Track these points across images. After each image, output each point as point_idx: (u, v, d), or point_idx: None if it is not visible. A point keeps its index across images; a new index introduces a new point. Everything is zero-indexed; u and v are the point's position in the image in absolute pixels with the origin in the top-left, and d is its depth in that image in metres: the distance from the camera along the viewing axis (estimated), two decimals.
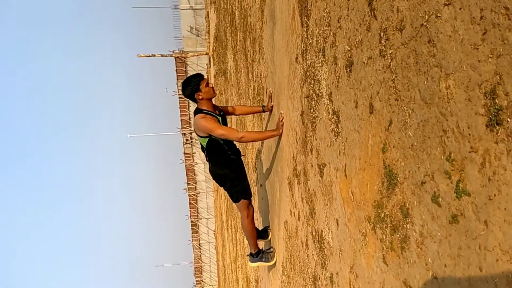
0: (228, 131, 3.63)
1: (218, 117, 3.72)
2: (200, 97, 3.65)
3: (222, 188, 4.29)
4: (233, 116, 8.21)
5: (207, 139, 3.69)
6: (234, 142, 3.98)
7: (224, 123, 3.84)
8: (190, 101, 3.95)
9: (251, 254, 4.40)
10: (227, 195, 4.26)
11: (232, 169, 3.97)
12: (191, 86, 3.63)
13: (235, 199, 4.07)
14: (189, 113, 24.73)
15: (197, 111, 3.72)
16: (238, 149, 4.06)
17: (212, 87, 3.69)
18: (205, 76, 3.96)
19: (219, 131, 3.55)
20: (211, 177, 4.16)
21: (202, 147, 3.87)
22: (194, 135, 24.98)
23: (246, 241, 5.06)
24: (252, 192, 4.75)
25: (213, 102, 3.86)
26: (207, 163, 4.06)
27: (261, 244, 4.90)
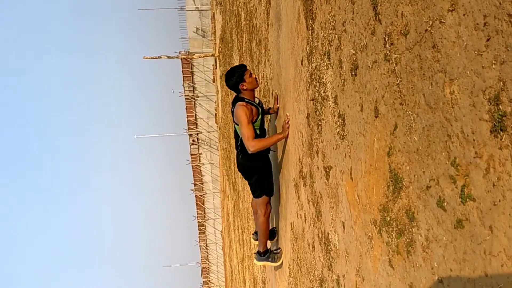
0: (248, 135, 3.59)
1: (259, 107, 3.75)
2: (244, 88, 3.67)
3: (247, 180, 4.26)
4: None
5: None
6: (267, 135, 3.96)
7: (263, 113, 3.85)
8: (232, 91, 3.93)
9: (258, 253, 4.41)
10: (250, 188, 4.24)
11: (263, 164, 3.98)
12: (236, 76, 3.66)
13: (258, 194, 4.07)
14: (195, 114, 24.80)
15: (239, 99, 3.73)
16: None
17: (255, 78, 3.72)
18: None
19: (244, 129, 3.57)
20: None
21: (236, 134, 3.87)
22: (200, 135, 25.07)
23: (252, 242, 5.07)
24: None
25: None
26: (236, 150, 4.04)
27: (268, 244, 4.92)
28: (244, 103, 3.65)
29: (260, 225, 4.19)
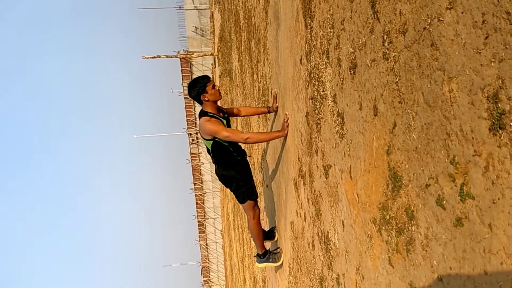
0: (233, 132, 3.66)
1: (222, 120, 3.75)
2: (206, 99, 3.67)
3: (228, 189, 4.31)
4: (238, 117, 8.23)
5: (211, 142, 3.71)
6: (239, 143, 4.00)
7: (228, 125, 3.86)
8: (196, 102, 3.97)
9: (258, 255, 4.42)
10: (234, 196, 4.28)
11: (238, 170, 3.99)
12: (198, 87, 3.66)
13: (241, 200, 4.09)
14: (194, 113, 24.78)
15: (202, 113, 3.74)
16: (243, 150, 4.07)
17: (218, 90, 3.72)
18: (211, 78, 3.99)
19: (224, 133, 3.57)
20: (217, 178, 4.18)
21: (207, 149, 3.90)
22: (199, 135, 25.03)
23: (253, 241, 5.07)
24: (258, 193, 4.76)
25: (219, 104, 3.88)
26: (213, 165, 4.08)
27: (268, 244, 4.92)
28: (208, 118, 3.65)
29: (252, 229, 4.21)
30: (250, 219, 4.15)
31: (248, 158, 4.21)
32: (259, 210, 4.28)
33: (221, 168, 4.00)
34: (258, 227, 4.19)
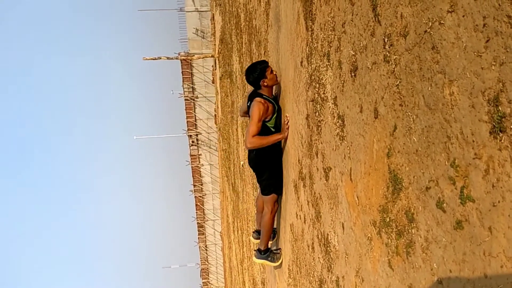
0: (253, 131, 3.62)
1: (276, 104, 3.76)
2: (265, 84, 3.68)
3: (256, 178, 4.26)
4: (238, 118, 8.24)
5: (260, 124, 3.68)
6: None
7: (279, 112, 3.85)
8: (251, 86, 3.92)
9: (259, 250, 4.41)
10: (259, 185, 4.24)
11: (275, 161, 3.99)
12: (257, 72, 3.67)
13: (267, 192, 4.07)
14: (194, 115, 24.79)
15: (257, 94, 3.72)
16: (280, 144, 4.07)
17: (275, 74, 3.72)
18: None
19: (252, 126, 3.59)
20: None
21: None
22: (200, 136, 25.05)
23: (252, 241, 5.07)
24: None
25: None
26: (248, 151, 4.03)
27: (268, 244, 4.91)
28: (262, 100, 3.64)
29: (265, 223, 4.17)
30: (267, 213, 4.13)
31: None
32: (278, 207, 4.27)
33: (260, 155, 3.93)
34: (271, 222, 4.19)
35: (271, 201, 4.10)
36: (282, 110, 4.27)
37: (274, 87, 3.92)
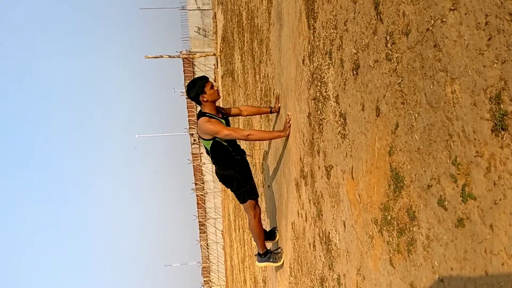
0: (234, 130, 3.68)
1: (221, 120, 3.77)
2: (205, 99, 3.69)
3: (229, 189, 4.32)
4: (240, 117, 8.24)
5: (211, 142, 3.72)
6: (238, 143, 4.00)
7: (227, 126, 3.87)
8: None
9: (259, 254, 4.42)
10: (234, 196, 4.29)
11: (238, 170, 3.99)
12: (196, 88, 3.68)
13: (242, 200, 4.10)
14: (196, 114, 24.79)
15: (201, 114, 3.76)
16: (242, 150, 4.08)
17: (217, 90, 3.73)
18: (211, 79, 4.02)
19: (225, 132, 3.59)
20: (218, 179, 4.19)
21: (206, 150, 3.91)
22: (198, 136, 25.02)
23: (254, 242, 5.08)
24: (260, 193, 4.77)
25: (218, 104, 3.90)
26: (213, 165, 4.09)
27: (269, 245, 4.92)
28: (207, 118, 3.67)
29: (252, 229, 4.22)
30: (251, 219, 4.16)
31: (248, 158, 4.22)
32: (260, 209, 4.29)
33: (221, 168, 4.01)
34: (259, 226, 4.20)
35: (251, 207, 4.12)
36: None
37: (218, 103, 3.89)
